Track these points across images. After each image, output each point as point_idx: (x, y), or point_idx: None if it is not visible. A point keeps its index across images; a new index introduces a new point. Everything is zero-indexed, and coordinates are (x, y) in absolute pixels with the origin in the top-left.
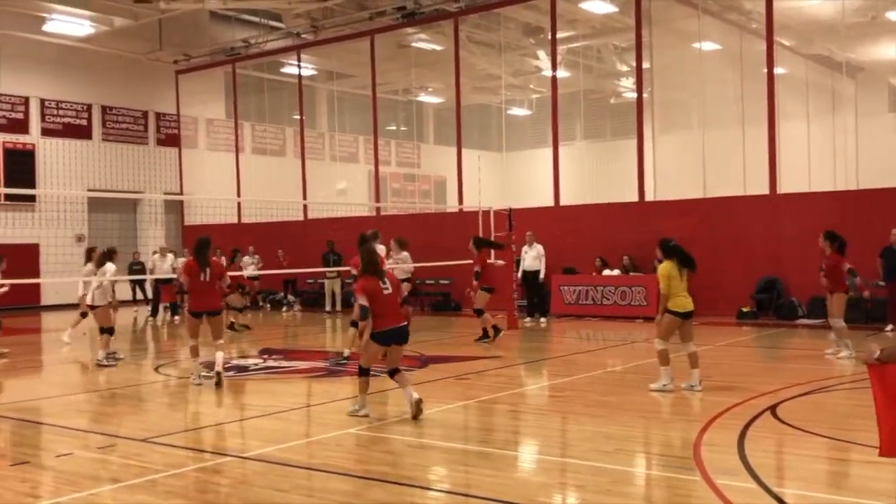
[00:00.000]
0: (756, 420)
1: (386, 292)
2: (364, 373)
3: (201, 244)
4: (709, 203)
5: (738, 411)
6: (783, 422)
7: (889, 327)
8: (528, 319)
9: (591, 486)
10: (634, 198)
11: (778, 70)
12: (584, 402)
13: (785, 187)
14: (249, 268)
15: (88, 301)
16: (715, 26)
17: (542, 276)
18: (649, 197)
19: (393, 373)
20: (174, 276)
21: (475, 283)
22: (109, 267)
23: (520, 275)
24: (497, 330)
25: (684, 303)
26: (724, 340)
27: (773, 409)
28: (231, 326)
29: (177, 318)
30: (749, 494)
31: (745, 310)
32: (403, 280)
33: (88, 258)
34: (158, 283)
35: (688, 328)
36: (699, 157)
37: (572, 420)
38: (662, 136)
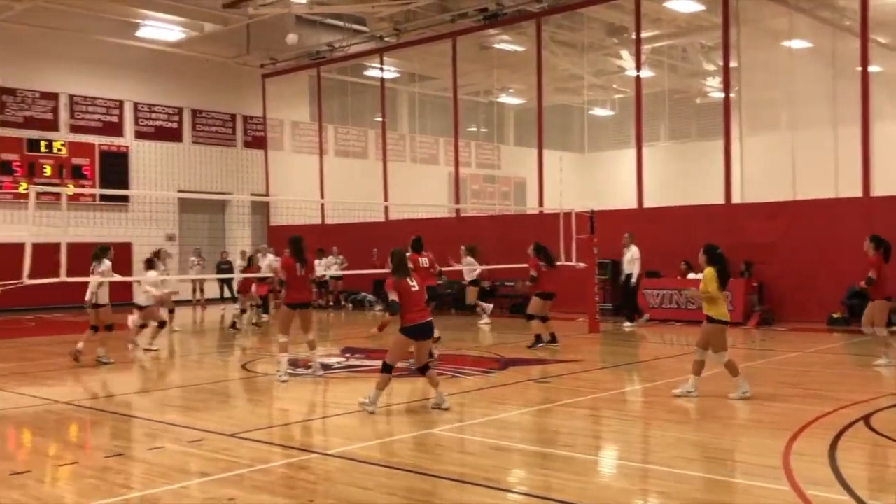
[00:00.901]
0: (848, 430)
1: (413, 290)
2: (387, 369)
3: (297, 242)
4: (798, 205)
5: (828, 420)
6: (878, 433)
7: None
8: (627, 324)
9: (675, 493)
10: (720, 200)
11: (873, 68)
12: (666, 407)
13: (879, 190)
14: (333, 268)
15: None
16: (806, 24)
17: (633, 279)
18: (736, 199)
19: (423, 370)
20: (269, 274)
21: (528, 284)
22: (151, 274)
23: (623, 278)
24: (553, 338)
25: (725, 311)
26: (813, 347)
27: (866, 418)
28: (232, 325)
29: (265, 316)
30: None
31: (835, 316)
32: (470, 283)
33: (149, 265)
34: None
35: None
36: (788, 159)
37: (655, 426)
38: (750, 137)
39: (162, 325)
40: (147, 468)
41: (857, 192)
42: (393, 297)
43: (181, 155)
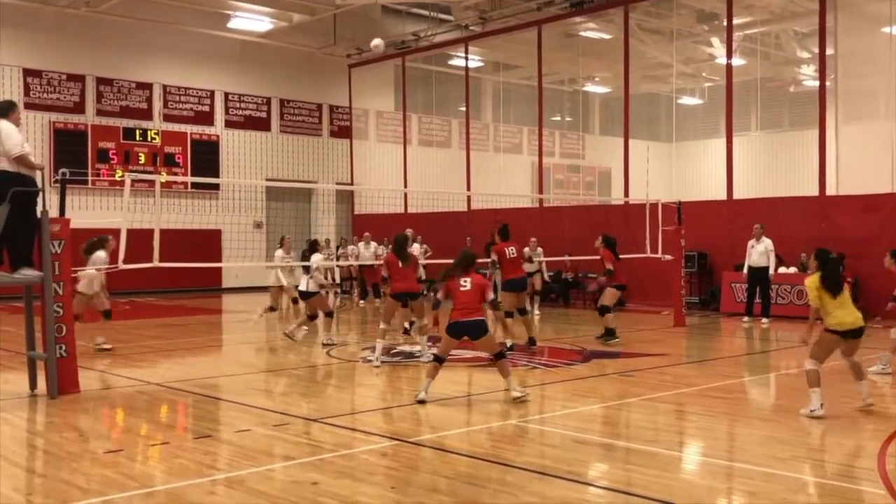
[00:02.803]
0: None
1: (462, 289)
2: (437, 360)
3: (399, 242)
4: None
5: None
6: None
7: None
8: (745, 319)
9: (763, 493)
10: (814, 191)
11: None
12: (754, 405)
13: None
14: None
15: (303, 287)
16: None
17: (771, 272)
18: (830, 191)
19: (497, 356)
20: (377, 262)
21: (603, 278)
22: (316, 257)
23: (745, 270)
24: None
25: (842, 318)
26: None
27: None
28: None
29: (378, 300)
30: None
31: None
32: (533, 273)
33: (280, 244)
34: (362, 269)
35: (851, 347)
36: (887, 149)
37: (742, 423)
38: (846, 127)
39: (315, 316)
40: (233, 450)
41: None
42: (440, 295)
43: (269, 144)
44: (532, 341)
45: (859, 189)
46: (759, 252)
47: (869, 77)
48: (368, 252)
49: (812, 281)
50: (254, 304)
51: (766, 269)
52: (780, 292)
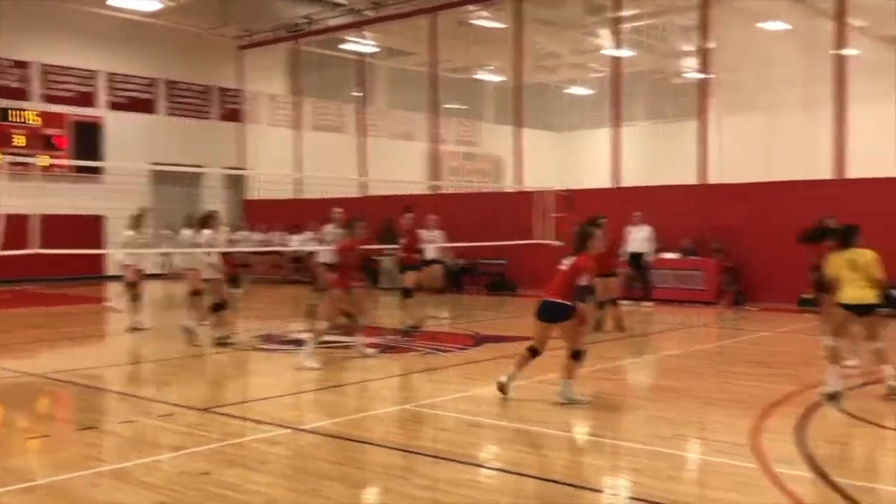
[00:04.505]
0: (816, 409)
1: (561, 268)
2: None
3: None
4: (772, 187)
5: (797, 399)
6: (845, 411)
7: None
8: (646, 303)
9: (649, 470)
10: (696, 180)
11: (848, 51)
12: (640, 385)
13: (853, 172)
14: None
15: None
16: (782, 6)
17: (650, 257)
18: (711, 180)
19: (531, 352)
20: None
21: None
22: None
23: (626, 257)
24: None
25: (850, 293)
26: (783, 327)
27: (833, 398)
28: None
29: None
30: (808, 484)
31: (805, 297)
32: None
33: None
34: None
35: (866, 325)
36: (763, 140)
37: (629, 403)
38: (726, 118)
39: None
40: (119, 441)
41: (831, 175)
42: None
43: (156, 126)
44: (411, 327)
45: (738, 178)
46: (639, 238)
47: (746, 71)
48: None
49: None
50: None
51: (645, 255)
52: (663, 277)
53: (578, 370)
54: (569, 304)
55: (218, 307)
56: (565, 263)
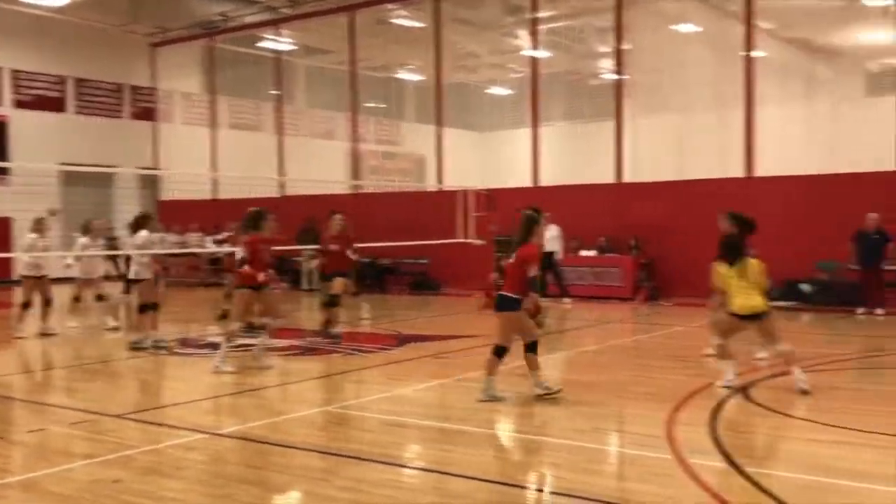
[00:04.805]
0: (728, 400)
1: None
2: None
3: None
4: (685, 185)
5: (710, 391)
6: (755, 402)
7: (861, 310)
8: (566, 300)
9: (567, 464)
10: (612, 179)
11: (756, 53)
12: (558, 381)
13: (761, 170)
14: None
15: (132, 275)
16: (694, 8)
17: (558, 256)
18: (627, 178)
19: (528, 347)
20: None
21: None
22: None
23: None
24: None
25: (740, 302)
26: (698, 322)
27: (744, 389)
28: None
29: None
30: (720, 474)
31: None
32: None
33: (86, 230)
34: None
35: (761, 331)
36: (676, 140)
37: (549, 399)
38: (640, 119)
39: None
40: (27, 451)
41: (741, 173)
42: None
43: (65, 125)
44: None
45: (652, 177)
46: (548, 238)
47: (660, 72)
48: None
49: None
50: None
51: (555, 253)
52: (581, 274)
53: (498, 367)
54: (515, 296)
55: (145, 308)
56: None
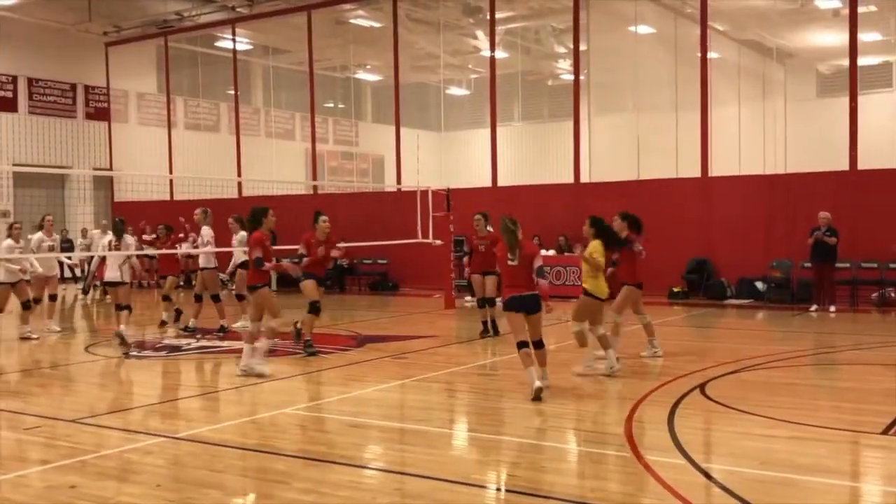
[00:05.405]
0: (685, 398)
1: (511, 263)
2: (518, 346)
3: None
4: (642, 185)
5: (668, 389)
6: (712, 399)
7: (814, 307)
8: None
9: (526, 462)
10: (570, 179)
11: (711, 55)
12: (517, 380)
13: (716, 170)
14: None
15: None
16: (651, 10)
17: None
18: (584, 178)
19: (535, 345)
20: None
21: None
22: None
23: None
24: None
25: (605, 288)
26: (655, 320)
27: (702, 387)
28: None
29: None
30: (678, 470)
31: (676, 290)
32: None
33: (39, 226)
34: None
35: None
36: (634, 140)
37: (507, 398)
38: (598, 119)
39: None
40: None
41: (697, 173)
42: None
43: (16, 125)
44: (222, 328)
45: (610, 177)
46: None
47: (617, 72)
48: (103, 242)
49: (597, 243)
50: None
51: None
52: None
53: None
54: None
55: (120, 308)
56: (512, 260)
